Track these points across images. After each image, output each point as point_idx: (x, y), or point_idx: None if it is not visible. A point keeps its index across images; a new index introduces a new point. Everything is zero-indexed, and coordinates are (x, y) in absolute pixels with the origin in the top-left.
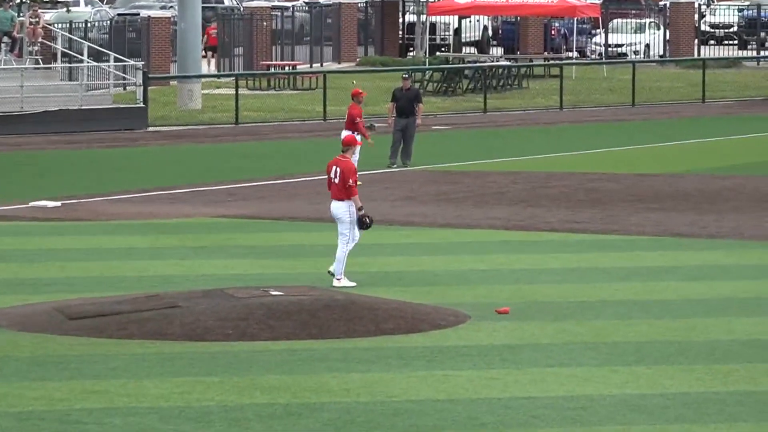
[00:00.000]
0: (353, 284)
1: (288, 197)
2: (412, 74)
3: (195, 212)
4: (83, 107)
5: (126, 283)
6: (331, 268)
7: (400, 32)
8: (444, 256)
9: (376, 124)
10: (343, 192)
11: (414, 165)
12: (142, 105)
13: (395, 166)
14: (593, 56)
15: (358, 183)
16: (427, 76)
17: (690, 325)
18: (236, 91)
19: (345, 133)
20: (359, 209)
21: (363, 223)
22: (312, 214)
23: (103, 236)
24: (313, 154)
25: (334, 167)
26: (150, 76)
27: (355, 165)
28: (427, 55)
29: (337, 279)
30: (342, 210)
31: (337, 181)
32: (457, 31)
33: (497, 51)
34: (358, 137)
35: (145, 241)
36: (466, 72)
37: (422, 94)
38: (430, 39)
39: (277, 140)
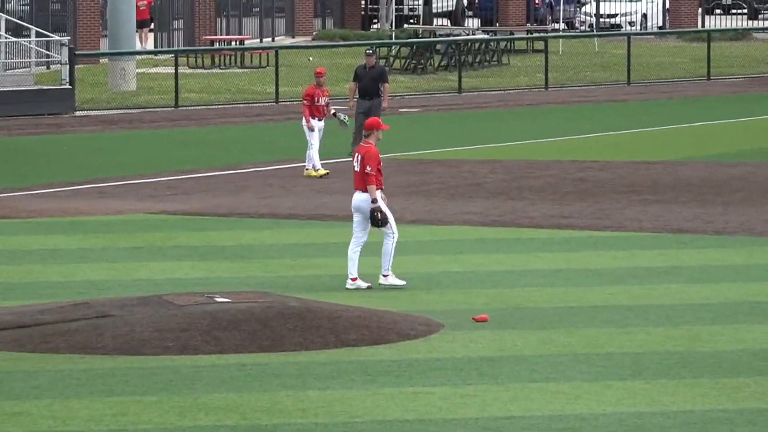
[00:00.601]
0: (403, 282)
1: (235, 191)
2: (377, 50)
3: (129, 208)
4: (0, 89)
5: (50, 289)
6: (350, 285)
7: (363, 2)
8: (413, 256)
9: (343, 116)
10: (364, 181)
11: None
12: (68, 86)
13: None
14: (583, 28)
15: (324, 171)
16: (393, 52)
17: (694, 333)
18: (176, 69)
19: (316, 124)
20: (373, 201)
21: (374, 219)
22: (263, 210)
23: (23, 236)
24: (264, 141)
25: (356, 154)
26: (77, 53)
27: (314, 151)
28: (394, 28)
29: (384, 275)
30: (366, 202)
31: (358, 169)
32: (428, 1)
33: (473, 23)
34: (303, 121)
35: (72, 242)
36: (438, 47)
37: (388, 72)
38: (397, 9)
39: (223, 125)
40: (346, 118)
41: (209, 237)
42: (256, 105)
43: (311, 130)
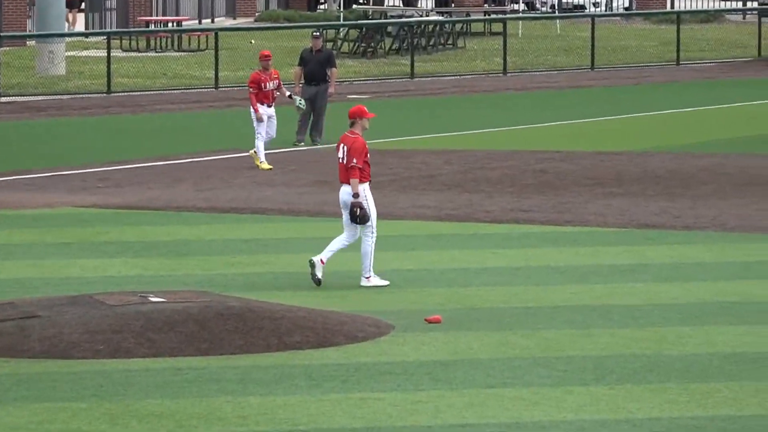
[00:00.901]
0: (386, 282)
1: (171, 183)
2: (324, 32)
3: (57, 201)
4: None
5: None
6: (316, 259)
7: None
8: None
9: (299, 100)
10: (353, 173)
11: (326, 143)
12: None
13: (302, 144)
14: (544, 9)
15: (267, 166)
16: (341, 35)
17: (661, 335)
18: (108, 53)
19: (266, 110)
20: (354, 195)
21: (353, 216)
22: (201, 203)
23: None
24: (203, 130)
25: (341, 146)
26: (2, 34)
27: (260, 142)
28: (342, 9)
29: (366, 277)
30: (351, 195)
31: (344, 161)
32: None
33: (427, 3)
34: (252, 110)
35: None
36: (390, 29)
37: (336, 56)
38: None
39: (159, 113)
40: (302, 102)
41: (144, 232)
42: (194, 91)
43: (260, 120)
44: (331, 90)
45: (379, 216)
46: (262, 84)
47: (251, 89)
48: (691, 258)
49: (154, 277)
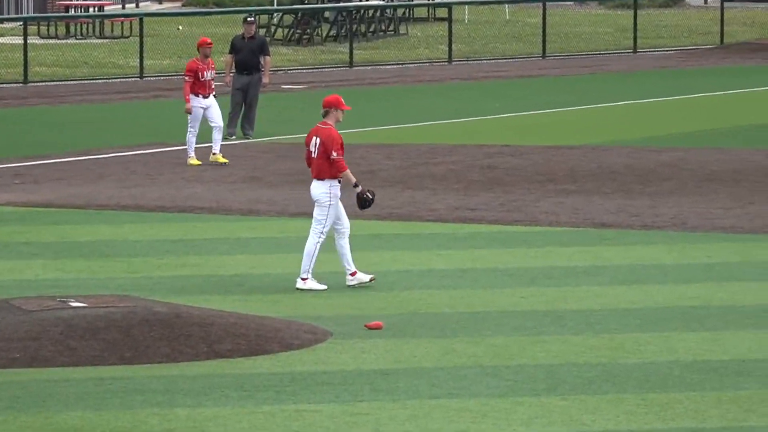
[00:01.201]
0: (323, 287)
1: (93, 179)
2: (257, 17)
3: None
4: None
5: None
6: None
7: None
8: (298, 254)
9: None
10: (325, 168)
11: (258, 136)
12: None
13: (233, 137)
14: None
15: (196, 162)
16: (275, 20)
17: (618, 342)
18: (24, 40)
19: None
20: (355, 185)
21: (364, 201)
22: (125, 201)
23: None
24: (127, 123)
25: (314, 138)
26: None
27: (191, 135)
28: None
29: (302, 278)
30: (321, 191)
31: (315, 154)
32: None
33: None
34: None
35: None
36: (327, 14)
37: (270, 43)
38: None
39: (80, 104)
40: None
41: (63, 232)
42: (117, 81)
43: (188, 112)
44: (264, 80)
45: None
46: (200, 73)
47: (187, 78)
48: (649, 259)
49: (75, 281)
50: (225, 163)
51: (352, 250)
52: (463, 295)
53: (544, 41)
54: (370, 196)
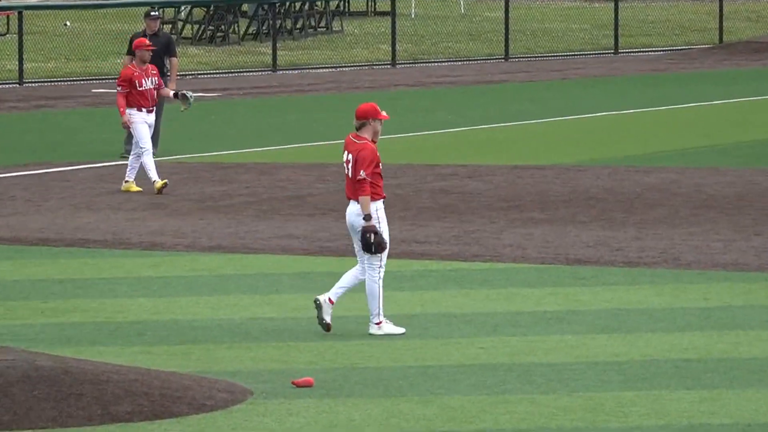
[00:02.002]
0: (402, 330)
1: None
2: (161, 11)
3: None
4: None
5: None
6: (323, 298)
7: None
8: (210, 296)
9: (190, 94)
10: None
11: (162, 155)
12: None
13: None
14: None
15: (133, 186)
16: (183, 15)
17: (596, 403)
18: None
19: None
20: (366, 218)
21: (367, 244)
22: (2, 232)
23: None
24: (3, 139)
25: (345, 152)
26: None
27: (145, 161)
28: None
29: (376, 323)
30: (361, 216)
31: (349, 172)
32: None
33: None
34: (130, 116)
35: None
36: (245, 8)
37: (177, 42)
38: None
39: None
40: (192, 95)
41: None
42: None
43: (125, 126)
44: (170, 86)
45: (232, 249)
46: (137, 82)
47: (120, 88)
48: (635, 303)
49: None
50: (164, 185)
51: (275, 292)
52: (410, 345)
53: (506, 40)
54: (372, 240)
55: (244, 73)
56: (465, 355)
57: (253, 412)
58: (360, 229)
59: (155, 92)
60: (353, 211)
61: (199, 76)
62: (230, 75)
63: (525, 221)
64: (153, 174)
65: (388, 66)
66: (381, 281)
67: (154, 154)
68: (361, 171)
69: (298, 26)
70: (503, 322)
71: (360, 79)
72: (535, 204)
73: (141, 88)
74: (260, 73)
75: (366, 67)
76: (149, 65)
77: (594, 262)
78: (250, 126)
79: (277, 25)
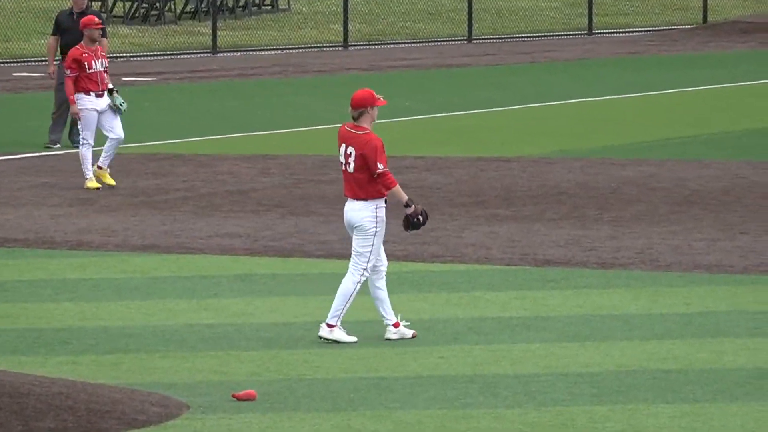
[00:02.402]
0: (353, 339)
1: None
2: None
3: None
4: None
5: None
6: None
7: None
8: (142, 301)
9: (121, 101)
10: (365, 185)
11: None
12: None
13: (58, 146)
14: None
15: (95, 185)
16: None
17: (566, 418)
18: None
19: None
20: (407, 204)
21: (416, 222)
22: None
23: None
24: None
25: (344, 147)
26: None
27: (86, 149)
28: None
29: (329, 324)
30: (365, 215)
31: (351, 168)
32: None
33: None
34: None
35: None
36: None
37: (107, 21)
38: None
39: None
40: (123, 102)
41: None
42: None
43: (75, 115)
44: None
45: (167, 249)
46: (86, 63)
47: (69, 71)
48: (609, 308)
49: None
50: (97, 188)
51: (214, 296)
52: (362, 355)
53: (469, 19)
54: (422, 219)
55: (181, 56)
56: (423, 366)
57: (190, 428)
58: (362, 224)
59: (105, 75)
60: (350, 208)
61: (132, 59)
62: (166, 57)
63: (489, 218)
64: (88, 170)
65: (340, 48)
66: (359, 286)
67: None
68: (379, 164)
69: (240, 4)
70: (465, 329)
71: (308, 62)
72: (500, 200)
73: (90, 71)
74: (199, 56)
75: (315, 49)
76: (98, 46)
77: (564, 263)
78: (187, 114)
79: (218, 3)
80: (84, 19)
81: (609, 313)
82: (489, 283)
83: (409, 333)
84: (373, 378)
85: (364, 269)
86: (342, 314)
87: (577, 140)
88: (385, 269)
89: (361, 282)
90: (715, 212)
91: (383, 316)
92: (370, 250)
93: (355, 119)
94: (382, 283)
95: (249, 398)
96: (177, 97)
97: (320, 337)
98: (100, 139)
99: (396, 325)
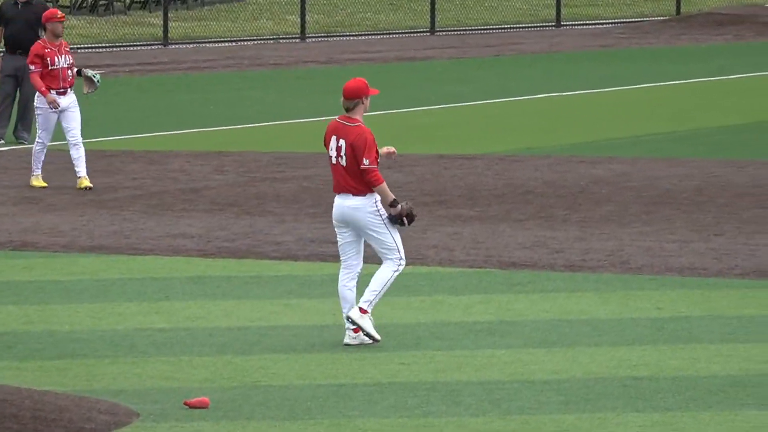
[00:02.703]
0: (377, 337)
1: None
2: None
3: None
4: None
5: None
6: (354, 317)
7: None
8: (91, 304)
9: (92, 73)
10: (358, 179)
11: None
12: None
13: (1, 141)
14: None
15: (41, 183)
16: None
17: (533, 427)
18: None
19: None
20: (392, 204)
21: (401, 223)
22: None
23: None
24: None
25: (334, 139)
26: None
27: (40, 148)
28: None
29: (362, 309)
30: (368, 210)
31: (344, 161)
32: None
33: None
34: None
35: None
36: None
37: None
38: None
39: None
40: (98, 75)
41: None
42: None
43: (55, 106)
44: None
45: (116, 250)
46: (48, 59)
47: (33, 67)
48: (577, 313)
49: None
50: (43, 186)
51: (166, 299)
52: (320, 361)
53: (432, 10)
54: (407, 222)
55: (131, 48)
56: (383, 372)
57: None
58: (386, 218)
59: (68, 72)
60: (347, 204)
61: (79, 51)
62: (115, 49)
63: (452, 219)
64: (37, 167)
65: (297, 40)
66: (396, 275)
67: (25, 141)
68: (365, 160)
69: None
70: (427, 334)
71: (264, 54)
72: (464, 199)
73: (53, 67)
74: (149, 48)
75: (271, 41)
76: (62, 40)
77: (531, 265)
78: (137, 108)
79: None
80: (46, 13)
81: (577, 318)
82: (452, 286)
83: (368, 339)
84: (332, 385)
85: (400, 259)
86: (375, 300)
87: (545, 137)
88: (360, 271)
89: (399, 272)
90: (688, 212)
91: (348, 321)
92: (392, 241)
93: (349, 110)
94: (353, 284)
95: (202, 406)
96: (126, 90)
97: (347, 318)
98: (59, 136)
99: (356, 330)
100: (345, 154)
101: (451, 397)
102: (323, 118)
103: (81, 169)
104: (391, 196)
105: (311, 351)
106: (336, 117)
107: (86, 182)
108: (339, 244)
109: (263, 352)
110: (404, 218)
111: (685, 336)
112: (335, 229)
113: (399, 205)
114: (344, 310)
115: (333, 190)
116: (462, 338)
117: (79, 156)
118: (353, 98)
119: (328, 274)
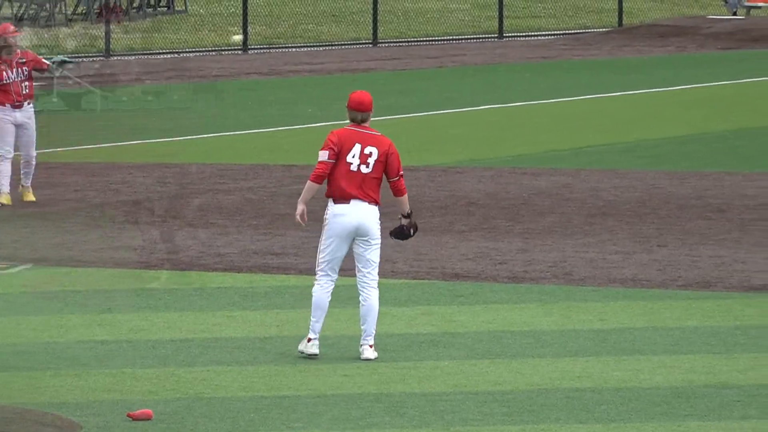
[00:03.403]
0: (374, 355)
1: None
2: None
3: None
4: None
5: None
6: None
7: None
8: (33, 316)
9: (61, 57)
10: (377, 189)
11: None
12: None
13: None
14: None
15: (7, 200)
16: None
17: None
18: None
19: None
20: (407, 215)
21: (407, 234)
22: None
23: None
24: None
25: (358, 145)
26: None
27: (5, 165)
28: None
29: (370, 345)
30: (376, 220)
31: (368, 168)
32: None
33: None
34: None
35: None
36: None
37: None
38: None
39: None
40: (61, 57)
41: None
42: None
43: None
44: None
45: (58, 262)
46: (4, 74)
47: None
48: (520, 324)
49: None
50: (7, 204)
51: (109, 311)
52: (263, 373)
53: (375, 22)
54: (413, 232)
55: (73, 60)
56: (326, 384)
57: None
58: (374, 231)
59: (23, 85)
60: (364, 210)
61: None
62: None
63: None
64: (3, 184)
65: (239, 52)
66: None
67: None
68: (400, 170)
69: (135, 5)
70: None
71: (206, 66)
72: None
73: (6, 82)
74: (91, 60)
75: (213, 53)
76: (18, 52)
77: (474, 277)
78: (77, 120)
79: (111, 4)
80: (1, 28)
81: (520, 330)
82: (395, 297)
83: (310, 350)
84: (275, 397)
85: (375, 278)
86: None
87: (488, 148)
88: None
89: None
90: (631, 224)
91: (311, 333)
92: (377, 258)
93: (363, 121)
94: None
95: (145, 418)
96: (66, 102)
97: (366, 360)
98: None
99: (310, 340)
100: (373, 162)
101: (394, 408)
102: (265, 130)
103: (27, 181)
104: (408, 208)
105: (254, 363)
106: (348, 125)
107: (30, 196)
108: (333, 257)
109: (206, 364)
110: (412, 229)
111: (628, 347)
112: (335, 240)
113: (411, 218)
114: (318, 320)
115: (334, 196)
116: (405, 350)
117: (28, 171)
118: (370, 110)
119: (271, 286)
